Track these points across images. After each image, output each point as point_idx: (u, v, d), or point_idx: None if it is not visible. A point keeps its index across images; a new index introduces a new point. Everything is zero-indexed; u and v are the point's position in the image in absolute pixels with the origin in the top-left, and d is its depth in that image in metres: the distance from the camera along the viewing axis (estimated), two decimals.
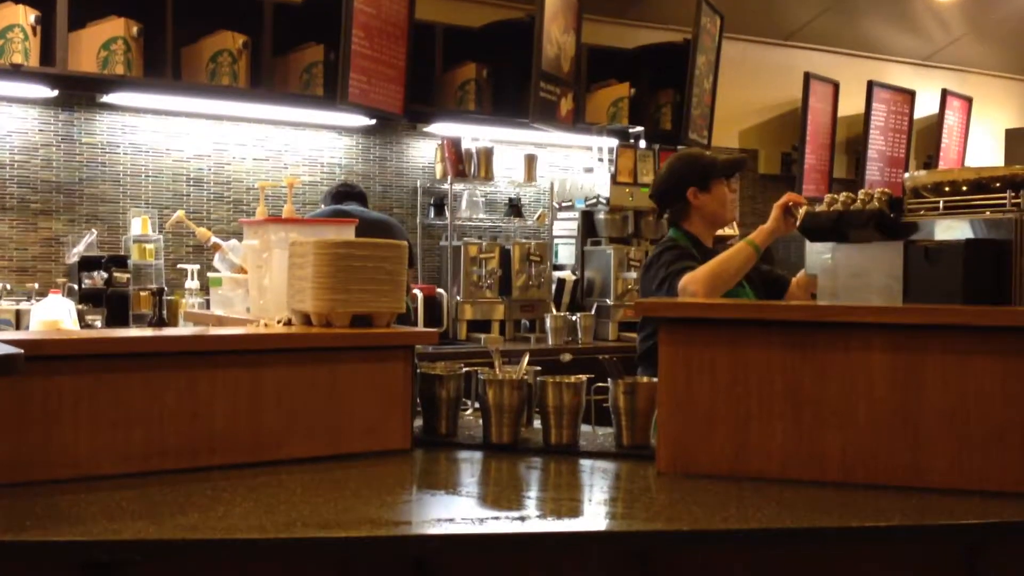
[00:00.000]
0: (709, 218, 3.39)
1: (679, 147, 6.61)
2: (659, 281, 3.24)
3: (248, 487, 2.20)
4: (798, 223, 2.90)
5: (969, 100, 8.76)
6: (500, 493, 2.37)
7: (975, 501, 2.17)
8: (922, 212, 2.51)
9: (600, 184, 6.26)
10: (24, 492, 2.09)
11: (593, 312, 6.02)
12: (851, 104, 7.96)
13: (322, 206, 5.34)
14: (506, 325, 5.90)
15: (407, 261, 2.74)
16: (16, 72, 4.77)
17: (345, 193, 5.29)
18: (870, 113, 8.03)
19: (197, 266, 5.24)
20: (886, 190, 2.57)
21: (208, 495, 2.12)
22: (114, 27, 5.02)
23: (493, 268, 5.84)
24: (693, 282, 3.02)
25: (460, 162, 6.06)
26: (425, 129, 6.18)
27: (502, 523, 1.98)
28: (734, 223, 4.59)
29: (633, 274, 6.02)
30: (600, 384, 2.69)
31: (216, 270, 3.33)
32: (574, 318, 5.91)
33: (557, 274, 6.25)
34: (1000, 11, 8.05)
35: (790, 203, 3.03)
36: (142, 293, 5.13)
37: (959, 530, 2.06)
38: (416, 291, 5.35)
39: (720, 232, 3.85)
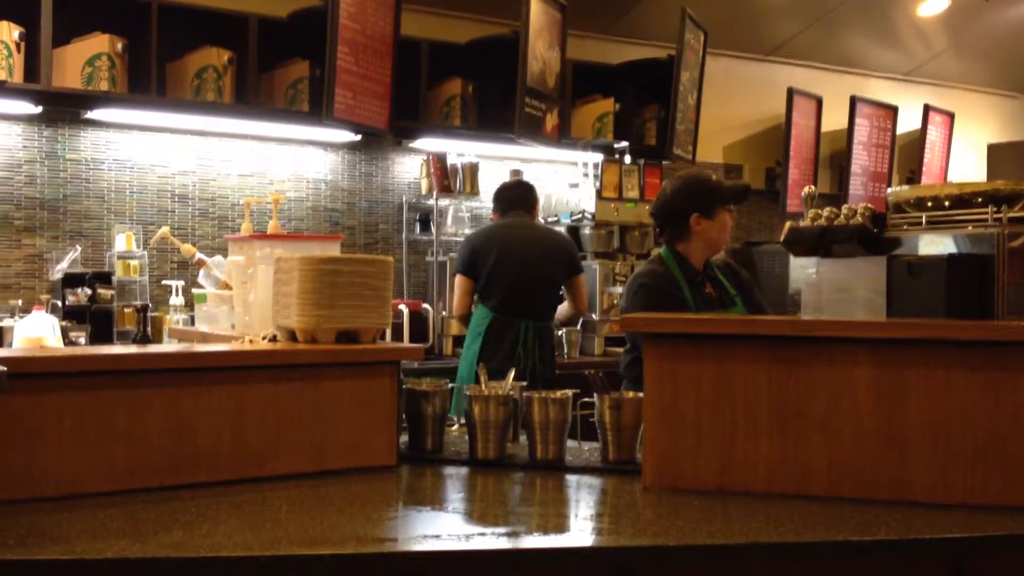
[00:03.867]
0: (709, 244, 3.38)
1: (664, 162, 6.65)
2: (629, 303, 3.28)
3: (233, 504, 2.19)
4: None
5: (951, 115, 8.82)
6: (486, 509, 2.36)
7: (959, 515, 2.17)
8: (905, 227, 2.53)
9: (585, 199, 6.27)
10: (7, 510, 2.08)
11: (579, 327, 6.02)
12: (834, 119, 8.00)
13: (494, 213, 5.34)
14: None
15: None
16: (0, 88, 4.75)
17: (516, 197, 5.30)
18: (853, 128, 8.07)
19: (182, 282, 5.22)
20: (869, 205, 2.59)
21: (193, 512, 2.11)
22: (99, 43, 5.01)
23: None
24: None
25: (445, 177, 6.07)
26: (410, 145, 6.19)
27: (488, 539, 1.98)
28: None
29: (619, 289, 6.02)
30: (586, 399, 2.69)
31: (201, 286, 3.32)
32: (560, 333, 5.91)
33: None
34: (981, 26, 8.12)
35: None
36: (126, 310, 5.12)
37: (944, 544, 2.06)
38: (400, 308, 5.37)
39: None
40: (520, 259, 5.00)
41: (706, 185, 3.41)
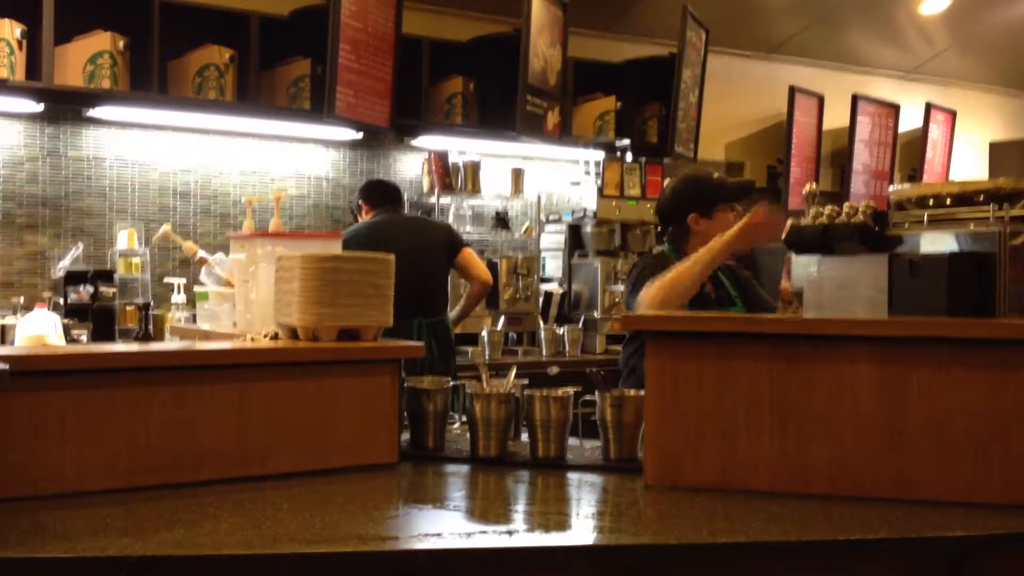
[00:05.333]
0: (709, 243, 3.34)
1: (665, 160, 6.65)
2: (630, 290, 3.25)
3: (234, 502, 2.19)
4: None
5: (953, 113, 8.81)
6: (487, 507, 2.36)
7: (960, 513, 2.17)
8: (907, 225, 2.53)
9: (587, 197, 6.28)
10: (8, 508, 2.08)
11: (580, 325, 6.02)
12: (836, 117, 8.00)
13: (362, 212, 5.19)
14: (493, 338, 5.90)
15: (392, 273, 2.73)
16: (2, 86, 4.76)
17: (388, 191, 5.19)
18: (855, 126, 8.07)
19: (184, 280, 5.22)
20: (871, 203, 2.59)
21: (194, 511, 2.11)
22: (100, 41, 5.02)
23: None
24: (647, 296, 2.99)
25: (447, 175, 6.07)
26: (412, 142, 6.19)
27: (490, 537, 1.98)
28: None
29: (620, 287, 6.03)
30: (587, 397, 2.69)
31: (203, 284, 3.32)
32: (561, 331, 5.91)
33: (544, 287, 6.26)
34: (983, 24, 8.11)
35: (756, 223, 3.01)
36: (128, 307, 5.12)
37: (945, 542, 2.06)
38: None
39: None
40: (401, 253, 4.75)
41: (705, 184, 3.36)
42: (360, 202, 5.22)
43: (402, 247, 4.75)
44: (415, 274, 4.73)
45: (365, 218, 5.14)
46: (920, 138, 8.60)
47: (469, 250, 5.13)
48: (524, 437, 2.78)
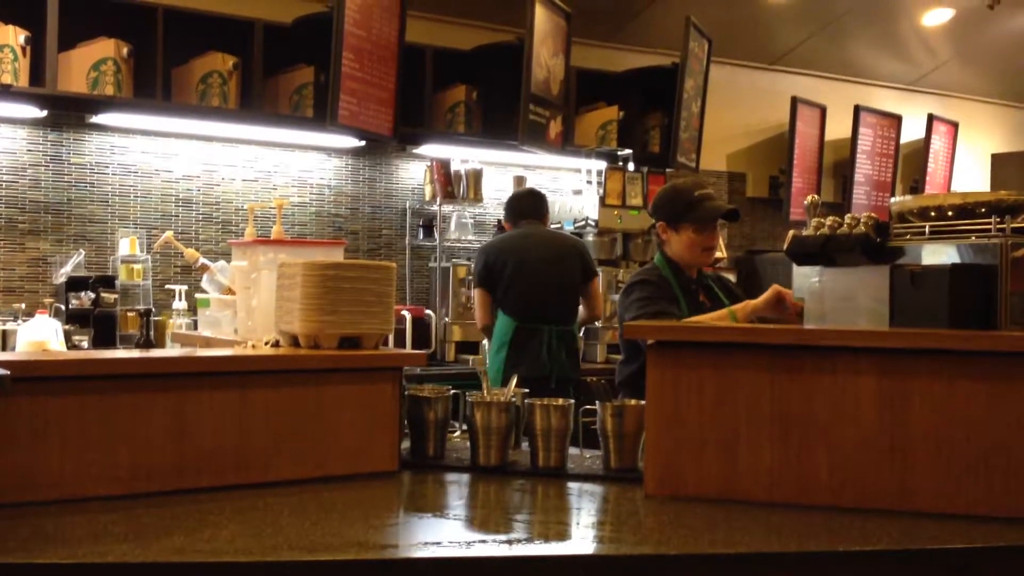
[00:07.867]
0: (675, 255, 3.35)
1: (668, 170, 6.65)
2: (631, 313, 3.23)
3: (235, 509, 2.19)
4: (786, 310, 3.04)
5: (955, 125, 8.82)
6: (488, 516, 2.36)
7: (962, 525, 2.17)
8: (908, 237, 2.53)
9: (589, 206, 6.28)
10: (9, 513, 2.08)
11: (581, 334, 6.01)
12: (838, 128, 8.01)
13: (506, 223, 5.44)
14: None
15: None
16: (5, 92, 4.77)
17: (527, 207, 5.34)
18: (857, 137, 8.08)
19: (185, 287, 5.23)
20: (872, 214, 2.59)
21: (194, 517, 2.11)
22: (104, 48, 5.03)
23: None
24: None
25: (449, 184, 6.08)
26: (414, 151, 6.20)
27: (489, 546, 1.98)
28: (723, 247, 4.50)
29: None
30: (588, 407, 2.69)
31: (204, 291, 3.33)
32: None
33: None
34: (986, 36, 8.12)
35: (782, 296, 3.07)
36: (130, 314, 5.12)
37: (946, 554, 2.06)
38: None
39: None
40: (536, 266, 5.07)
41: (680, 199, 3.31)
42: (504, 221, 5.50)
43: (533, 260, 5.06)
44: (547, 286, 5.11)
45: None
46: (922, 149, 8.61)
47: (597, 282, 5.45)
48: (525, 446, 2.78)
